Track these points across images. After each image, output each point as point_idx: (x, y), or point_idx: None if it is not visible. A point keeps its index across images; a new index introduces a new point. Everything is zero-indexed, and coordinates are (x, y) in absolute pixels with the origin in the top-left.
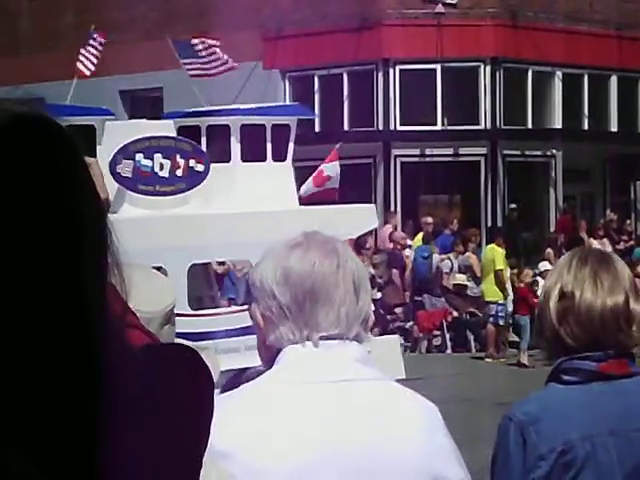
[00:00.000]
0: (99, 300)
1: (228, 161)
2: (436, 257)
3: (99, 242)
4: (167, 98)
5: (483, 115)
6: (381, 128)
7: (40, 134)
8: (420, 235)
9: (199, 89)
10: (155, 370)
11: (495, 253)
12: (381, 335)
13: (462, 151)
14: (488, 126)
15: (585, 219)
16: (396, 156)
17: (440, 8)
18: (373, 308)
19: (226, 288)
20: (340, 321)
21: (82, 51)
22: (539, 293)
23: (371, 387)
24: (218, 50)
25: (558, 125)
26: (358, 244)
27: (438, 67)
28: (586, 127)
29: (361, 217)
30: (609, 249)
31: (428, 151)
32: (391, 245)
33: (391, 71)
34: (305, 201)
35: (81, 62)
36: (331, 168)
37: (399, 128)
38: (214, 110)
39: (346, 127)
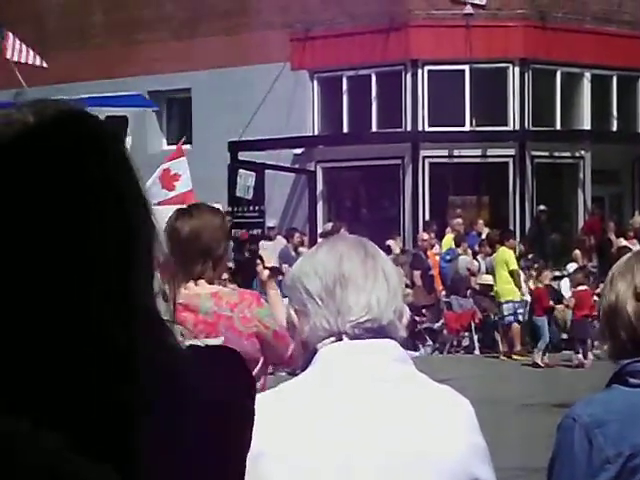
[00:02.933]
0: (145, 299)
1: None
2: (466, 258)
3: (148, 241)
4: (195, 99)
5: (512, 116)
6: (409, 129)
7: (90, 130)
8: (449, 236)
9: (226, 89)
10: (199, 371)
11: (506, 254)
12: (409, 336)
13: (490, 152)
14: (517, 127)
15: (614, 220)
16: (424, 157)
17: (469, 9)
18: None
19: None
20: (372, 306)
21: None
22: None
23: (407, 386)
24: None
25: (587, 126)
26: (384, 246)
27: (467, 68)
28: (615, 128)
29: None
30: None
31: (456, 152)
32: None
33: (419, 72)
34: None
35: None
36: (177, 165)
37: (427, 129)
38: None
39: (374, 128)
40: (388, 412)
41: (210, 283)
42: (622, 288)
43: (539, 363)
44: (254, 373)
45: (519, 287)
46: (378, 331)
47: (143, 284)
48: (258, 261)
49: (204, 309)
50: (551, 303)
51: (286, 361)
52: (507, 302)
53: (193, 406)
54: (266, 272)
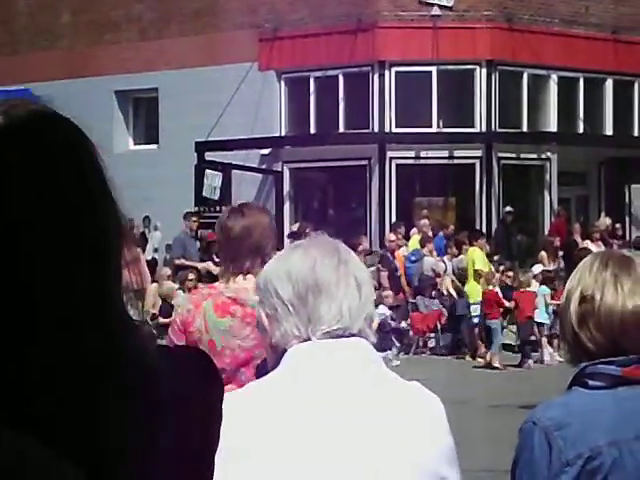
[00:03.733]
0: (115, 298)
1: None
2: (431, 260)
3: (117, 238)
4: (162, 98)
5: (478, 118)
6: (376, 130)
7: (60, 129)
8: (416, 237)
9: (194, 89)
10: (168, 370)
11: (474, 254)
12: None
13: (457, 153)
14: (483, 129)
15: (580, 222)
16: (391, 158)
17: (436, 10)
18: None
19: None
20: (343, 315)
21: None
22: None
23: (376, 383)
24: None
25: (553, 128)
26: (352, 245)
27: (434, 69)
28: (581, 130)
29: None
30: None
31: (423, 153)
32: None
33: (387, 73)
34: None
35: None
36: None
37: (394, 130)
38: None
39: (342, 129)
40: (357, 410)
41: None
42: (571, 291)
43: (494, 365)
44: None
45: (486, 286)
46: (348, 338)
47: (113, 282)
48: None
49: (252, 302)
50: (507, 304)
51: None
52: (475, 303)
53: (163, 404)
54: None
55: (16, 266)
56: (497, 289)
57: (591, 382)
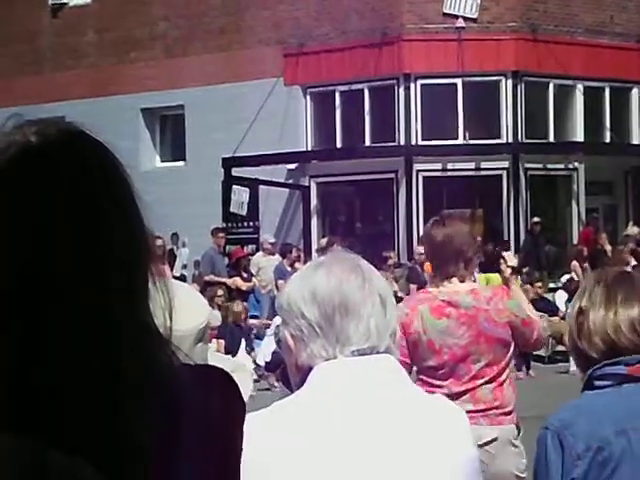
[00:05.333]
0: (144, 311)
1: None
2: None
3: (146, 248)
4: (189, 115)
5: (505, 129)
6: (403, 143)
7: (90, 147)
8: None
9: (220, 106)
10: (190, 390)
11: (490, 275)
12: None
13: (484, 165)
14: (510, 140)
15: (607, 231)
16: (418, 171)
17: (461, 22)
18: None
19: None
20: (371, 334)
21: None
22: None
23: (406, 401)
24: None
25: (580, 138)
26: (380, 258)
27: (459, 81)
28: (608, 140)
29: None
30: (632, 262)
31: (450, 165)
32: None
33: (412, 86)
34: None
35: None
36: None
37: (421, 143)
38: None
39: (368, 142)
40: (385, 426)
41: (461, 281)
42: (572, 307)
43: None
44: (508, 356)
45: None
46: (376, 355)
47: (141, 291)
48: (501, 260)
49: (464, 304)
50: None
51: (532, 344)
52: None
53: (187, 420)
54: (509, 270)
55: (54, 272)
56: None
57: (598, 383)
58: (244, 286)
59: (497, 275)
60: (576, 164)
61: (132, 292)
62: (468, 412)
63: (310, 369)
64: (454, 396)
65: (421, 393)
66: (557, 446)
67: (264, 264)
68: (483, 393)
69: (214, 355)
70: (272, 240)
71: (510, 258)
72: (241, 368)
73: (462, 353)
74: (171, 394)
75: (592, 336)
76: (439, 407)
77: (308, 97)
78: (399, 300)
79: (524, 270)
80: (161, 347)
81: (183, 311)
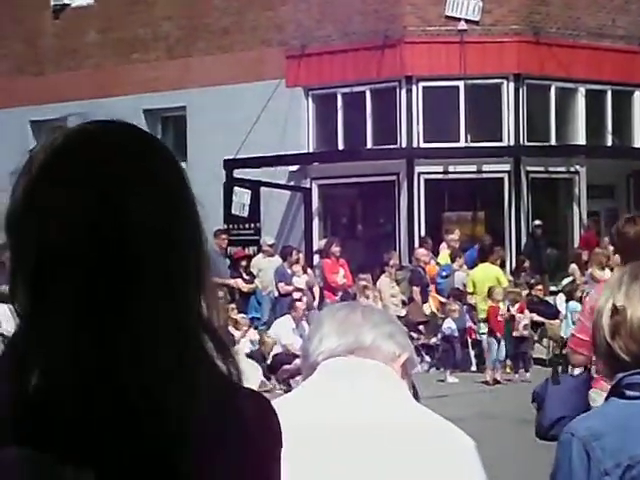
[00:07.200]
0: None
1: None
2: (462, 275)
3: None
4: (190, 117)
5: (506, 132)
6: (404, 145)
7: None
8: (446, 252)
9: (222, 107)
10: (244, 407)
11: (476, 276)
12: None
13: (486, 168)
14: (511, 143)
15: (609, 235)
16: (420, 173)
17: (463, 25)
18: None
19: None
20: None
21: None
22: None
23: (404, 414)
24: None
25: (582, 141)
26: (382, 261)
27: (461, 84)
28: (609, 143)
29: None
30: None
31: (451, 168)
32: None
33: (414, 88)
34: None
35: None
36: None
37: (422, 145)
38: None
39: (369, 144)
40: (379, 442)
41: None
42: (602, 305)
43: (488, 380)
44: None
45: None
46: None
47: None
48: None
49: None
50: (537, 318)
51: None
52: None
53: (239, 438)
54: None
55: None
56: (504, 305)
57: (628, 392)
58: (245, 287)
59: (493, 267)
60: (578, 167)
61: (199, 297)
62: None
63: (318, 364)
64: None
65: (427, 412)
66: (583, 457)
67: (264, 265)
68: None
69: None
70: (271, 242)
71: None
72: (247, 361)
73: None
74: (229, 405)
75: (628, 339)
76: (447, 433)
77: (310, 99)
78: (402, 304)
79: (523, 273)
80: (225, 357)
81: None
